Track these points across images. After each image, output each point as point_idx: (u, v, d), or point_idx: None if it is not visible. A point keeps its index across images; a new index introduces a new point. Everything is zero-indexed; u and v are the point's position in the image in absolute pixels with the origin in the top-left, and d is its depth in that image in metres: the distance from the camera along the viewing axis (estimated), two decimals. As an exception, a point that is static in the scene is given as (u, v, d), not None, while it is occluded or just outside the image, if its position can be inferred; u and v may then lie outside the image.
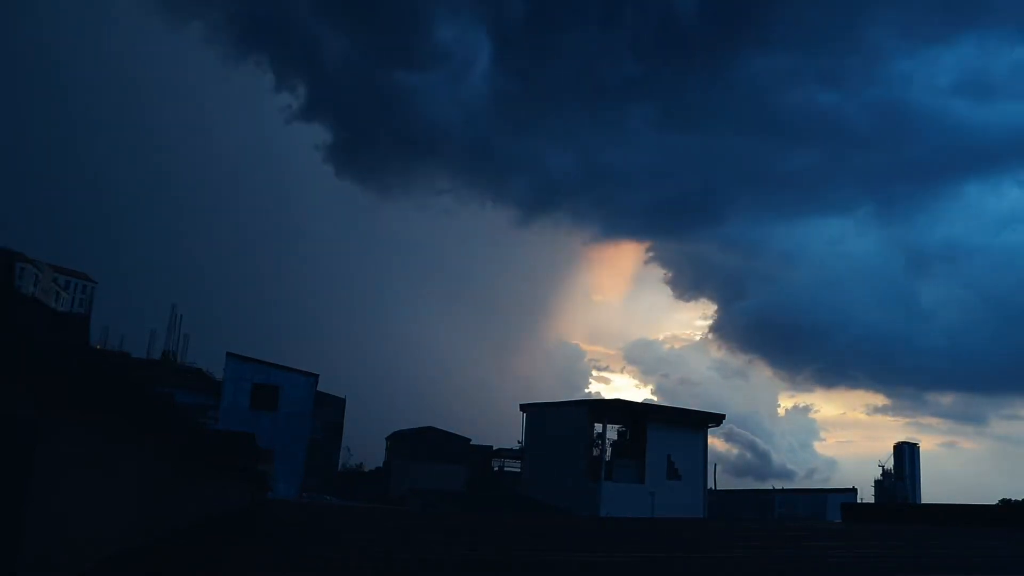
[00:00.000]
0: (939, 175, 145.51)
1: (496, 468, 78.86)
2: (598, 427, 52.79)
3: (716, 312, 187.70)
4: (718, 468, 79.53)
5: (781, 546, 16.02)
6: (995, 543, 19.11)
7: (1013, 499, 56.81)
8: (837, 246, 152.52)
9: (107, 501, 5.18)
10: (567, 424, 51.67)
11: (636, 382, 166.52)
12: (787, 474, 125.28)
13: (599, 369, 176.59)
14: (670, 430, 51.55)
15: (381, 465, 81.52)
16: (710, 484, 57.85)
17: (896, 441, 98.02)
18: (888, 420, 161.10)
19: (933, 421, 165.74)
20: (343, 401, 69.00)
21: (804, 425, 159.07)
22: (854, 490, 77.71)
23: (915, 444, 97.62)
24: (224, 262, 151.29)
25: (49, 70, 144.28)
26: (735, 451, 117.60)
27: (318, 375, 49.31)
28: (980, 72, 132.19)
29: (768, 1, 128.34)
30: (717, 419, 54.98)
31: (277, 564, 8.28)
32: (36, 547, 3.72)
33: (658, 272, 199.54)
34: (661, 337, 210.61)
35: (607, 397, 63.27)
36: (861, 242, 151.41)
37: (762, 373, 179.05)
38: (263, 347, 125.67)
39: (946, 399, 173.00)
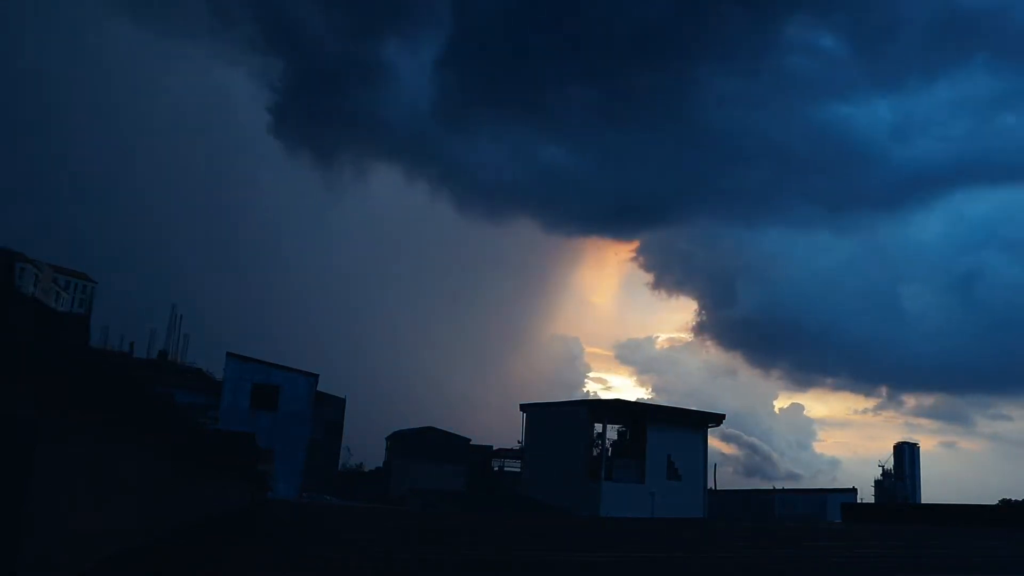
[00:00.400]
0: (891, 199, 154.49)
1: (496, 468, 78.89)
2: (598, 427, 52.80)
3: (697, 313, 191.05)
4: (717, 468, 79.63)
5: (781, 546, 16.02)
6: (995, 543, 19.11)
7: (1012, 499, 56.90)
8: (810, 253, 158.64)
9: (107, 501, 5.18)
10: (567, 424, 51.66)
11: (629, 381, 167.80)
12: (779, 474, 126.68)
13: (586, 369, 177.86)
14: (670, 430, 51.54)
15: (381, 465, 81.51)
16: (710, 484, 57.83)
17: (896, 441, 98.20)
18: (876, 420, 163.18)
19: (923, 422, 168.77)
20: (343, 401, 68.95)
21: (799, 425, 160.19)
22: (854, 490, 77.73)
23: (915, 444, 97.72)
24: (224, 262, 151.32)
25: (40, 69, 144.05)
26: (731, 451, 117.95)
27: (318, 375, 49.29)
28: (912, 112, 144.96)
29: (720, 29, 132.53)
30: (717, 419, 54.99)
31: (277, 564, 8.28)
32: (36, 547, 3.72)
33: (639, 270, 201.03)
34: (645, 336, 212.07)
35: (593, 398, 63.35)
36: (828, 253, 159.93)
37: (746, 374, 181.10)
38: (263, 347, 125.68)
39: (931, 400, 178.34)
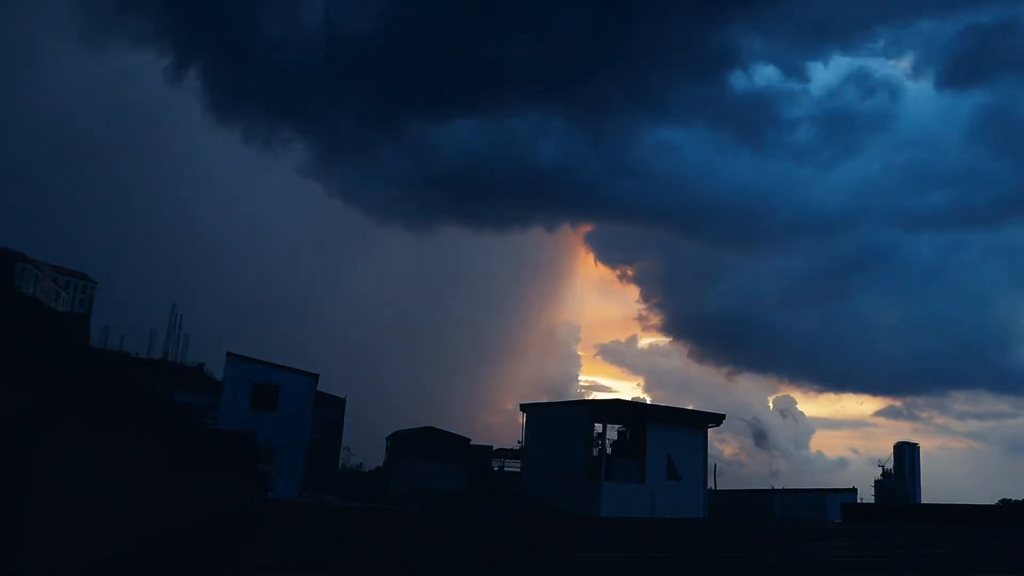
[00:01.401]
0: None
1: (496, 468, 78.90)
2: (598, 427, 52.81)
3: (647, 309, 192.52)
4: (717, 467, 79.65)
5: (781, 546, 16.02)
6: (995, 543, 19.11)
7: (1012, 499, 56.98)
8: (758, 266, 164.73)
9: (107, 501, 5.18)
10: (567, 424, 51.67)
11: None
12: (768, 469, 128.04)
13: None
14: (670, 430, 51.55)
15: (381, 465, 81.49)
16: (710, 484, 57.83)
17: (896, 441, 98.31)
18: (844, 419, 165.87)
19: (885, 421, 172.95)
20: (343, 401, 68.99)
21: (793, 424, 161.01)
22: (854, 490, 77.71)
23: (915, 444, 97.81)
24: (224, 262, 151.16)
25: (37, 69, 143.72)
26: (727, 450, 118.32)
27: (318, 375, 49.28)
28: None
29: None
30: (717, 419, 55.00)
31: (277, 564, 8.29)
32: (36, 547, 3.72)
33: (601, 265, 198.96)
34: (620, 337, 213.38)
35: (593, 397, 63.30)
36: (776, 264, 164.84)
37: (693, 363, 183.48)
38: (263, 347, 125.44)
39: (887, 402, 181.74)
